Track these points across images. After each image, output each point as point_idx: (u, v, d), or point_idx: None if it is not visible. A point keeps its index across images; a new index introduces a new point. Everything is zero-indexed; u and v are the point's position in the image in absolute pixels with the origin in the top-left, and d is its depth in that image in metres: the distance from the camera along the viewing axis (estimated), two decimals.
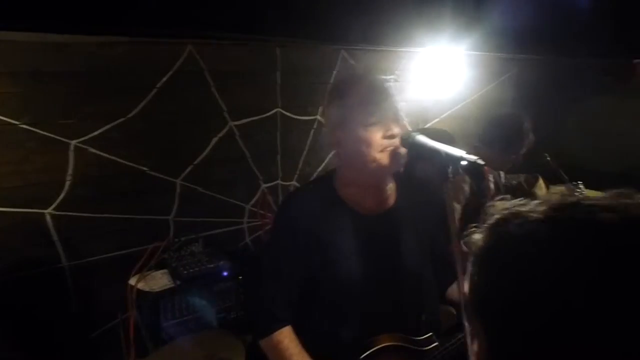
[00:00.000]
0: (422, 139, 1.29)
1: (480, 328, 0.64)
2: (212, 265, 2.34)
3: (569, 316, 0.54)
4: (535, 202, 0.62)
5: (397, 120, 1.39)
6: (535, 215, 0.59)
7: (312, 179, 2.93)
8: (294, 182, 3.01)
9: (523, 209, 0.62)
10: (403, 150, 1.37)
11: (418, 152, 1.33)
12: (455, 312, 1.84)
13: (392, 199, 1.51)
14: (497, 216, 0.64)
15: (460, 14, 0.83)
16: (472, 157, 1.16)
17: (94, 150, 2.31)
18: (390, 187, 1.51)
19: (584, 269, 0.54)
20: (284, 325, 1.44)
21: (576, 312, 0.54)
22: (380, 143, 1.35)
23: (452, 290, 1.63)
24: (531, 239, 0.58)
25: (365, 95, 1.37)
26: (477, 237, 0.65)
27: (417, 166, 1.66)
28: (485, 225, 0.64)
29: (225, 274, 2.33)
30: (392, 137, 1.36)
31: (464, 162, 1.16)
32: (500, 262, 0.61)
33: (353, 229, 1.43)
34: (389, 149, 1.36)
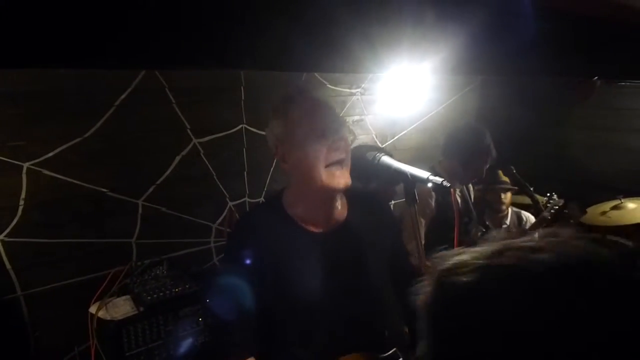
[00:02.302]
0: (388, 160, 1.27)
1: None
2: (177, 289, 2.26)
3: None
4: (473, 250, 0.64)
5: (341, 134, 1.40)
6: (467, 267, 0.61)
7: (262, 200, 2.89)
8: (261, 199, 2.95)
9: (462, 258, 0.63)
10: (347, 168, 1.38)
11: (382, 173, 1.32)
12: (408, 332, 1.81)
13: (343, 214, 1.50)
14: (439, 269, 0.65)
15: (421, 39, 0.82)
16: (438, 179, 1.14)
17: (48, 173, 2.21)
18: (340, 202, 1.49)
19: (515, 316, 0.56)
20: (244, 355, 1.39)
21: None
22: (325, 157, 1.36)
23: None
24: (472, 290, 0.59)
25: (308, 110, 1.38)
26: (424, 292, 0.65)
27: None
28: (430, 279, 0.65)
29: None
30: (337, 149, 1.37)
31: (430, 185, 1.15)
32: (450, 317, 0.62)
33: (306, 247, 1.41)
34: (334, 165, 1.36)
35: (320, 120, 1.37)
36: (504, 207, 3.00)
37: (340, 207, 1.49)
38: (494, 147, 2.55)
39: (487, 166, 2.57)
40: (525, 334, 0.55)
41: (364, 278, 1.46)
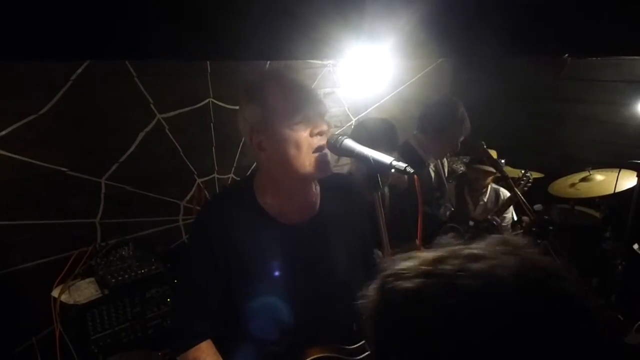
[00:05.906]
0: (350, 143, 1.22)
1: None
2: (143, 271, 2.20)
3: None
4: (419, 255, 0.65)
5: (322, 116, 1.31)
6: (410, 273, 0.62)
7: (230, 183, 2.83)
8: (231, 175, 2.89)
9: (407, 264, 0.64)
10: (330, 154, 1.29)
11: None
12: None
13: (316, 205, 1.43)
14: (383, 274, 0.66)
15: (381, 15, 0.76)
16: (402, 165, 1.10)
17: (2, 152, 2.10)
18: (315, 192, 1.42)
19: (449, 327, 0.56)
20: (202, 340, 1.35)
21: None
22: (308, 142, 1.27)
23: None
24: (411, 297, 0.60)
25: (286, 94, 1.27)
26: (369, 297, 0.67)
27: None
28: (373, 287, 0.67)
29: None
30: (320, 134, 1.28)
31: (392, 170, 1.10)
32: (392, 321, 0.63)
33: (276, 241, 1.35)
34: (317, 153, 1.28)
35: (301, 104, 1.26)
36: (484, 183, 2.97)
37: (314, 197, 1.42)
38: (467, 119, 2.52)
39: (462, 138, 2.54)
40: (459, 343, 0.55)
41: (335, 272, 1.41)
